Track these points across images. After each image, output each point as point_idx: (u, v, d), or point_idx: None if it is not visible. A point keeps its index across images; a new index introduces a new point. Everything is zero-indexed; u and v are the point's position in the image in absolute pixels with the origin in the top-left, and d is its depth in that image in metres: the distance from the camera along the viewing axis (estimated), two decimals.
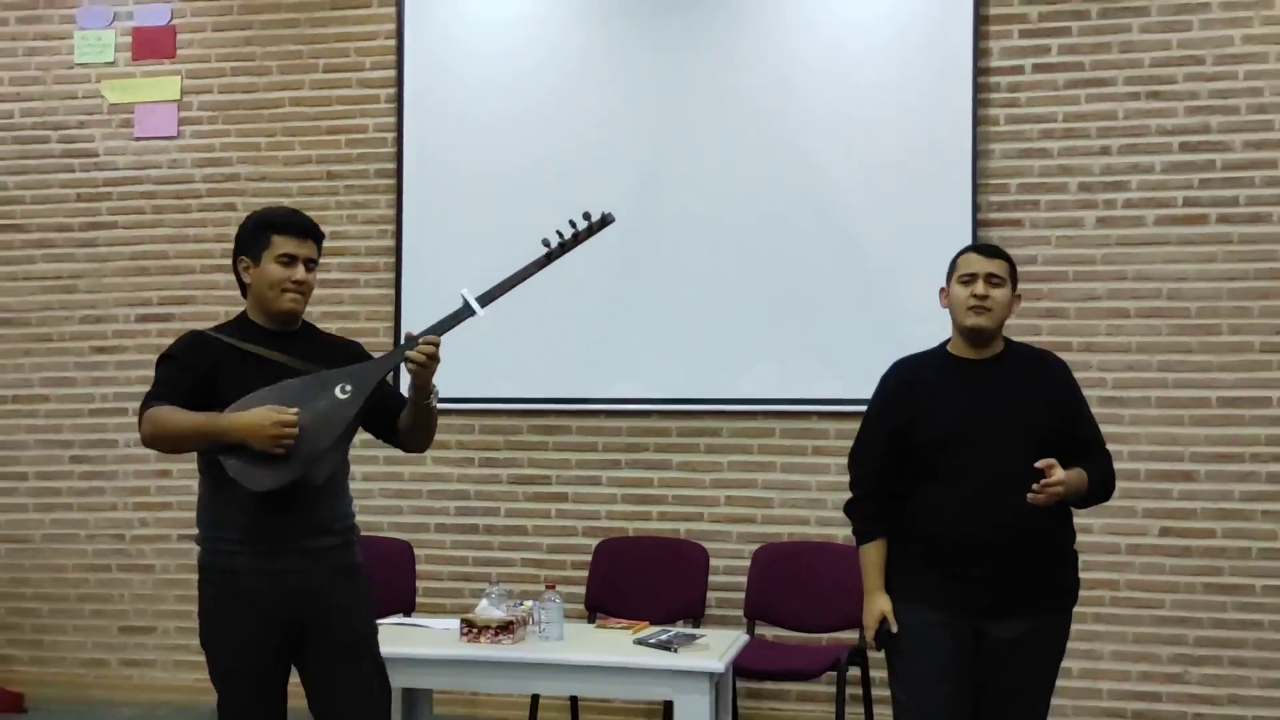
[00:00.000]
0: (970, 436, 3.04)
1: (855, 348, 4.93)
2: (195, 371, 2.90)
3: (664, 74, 5.27)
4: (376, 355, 3.11)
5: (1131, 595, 4.84)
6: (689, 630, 4.14)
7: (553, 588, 4.05)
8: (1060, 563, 3.12)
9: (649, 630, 4.03)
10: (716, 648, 3.86)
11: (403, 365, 2.93)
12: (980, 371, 3.13)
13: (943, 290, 3.21)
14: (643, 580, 4.88)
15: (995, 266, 3.12)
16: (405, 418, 3.02)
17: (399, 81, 5.48)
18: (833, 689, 4.46)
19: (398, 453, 5.34)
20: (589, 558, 5.05)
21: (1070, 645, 4.75)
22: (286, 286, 2.98)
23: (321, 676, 2.98)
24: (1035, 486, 2.92)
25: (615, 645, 3.90)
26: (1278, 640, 4.73)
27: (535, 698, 4.81)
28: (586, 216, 3.03)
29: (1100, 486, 3.11)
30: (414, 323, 5.46)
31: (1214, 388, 4.82)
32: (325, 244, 5.35)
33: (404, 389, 3.08)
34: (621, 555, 5.03)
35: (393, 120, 5.49)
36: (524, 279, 3.01)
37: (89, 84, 5.78)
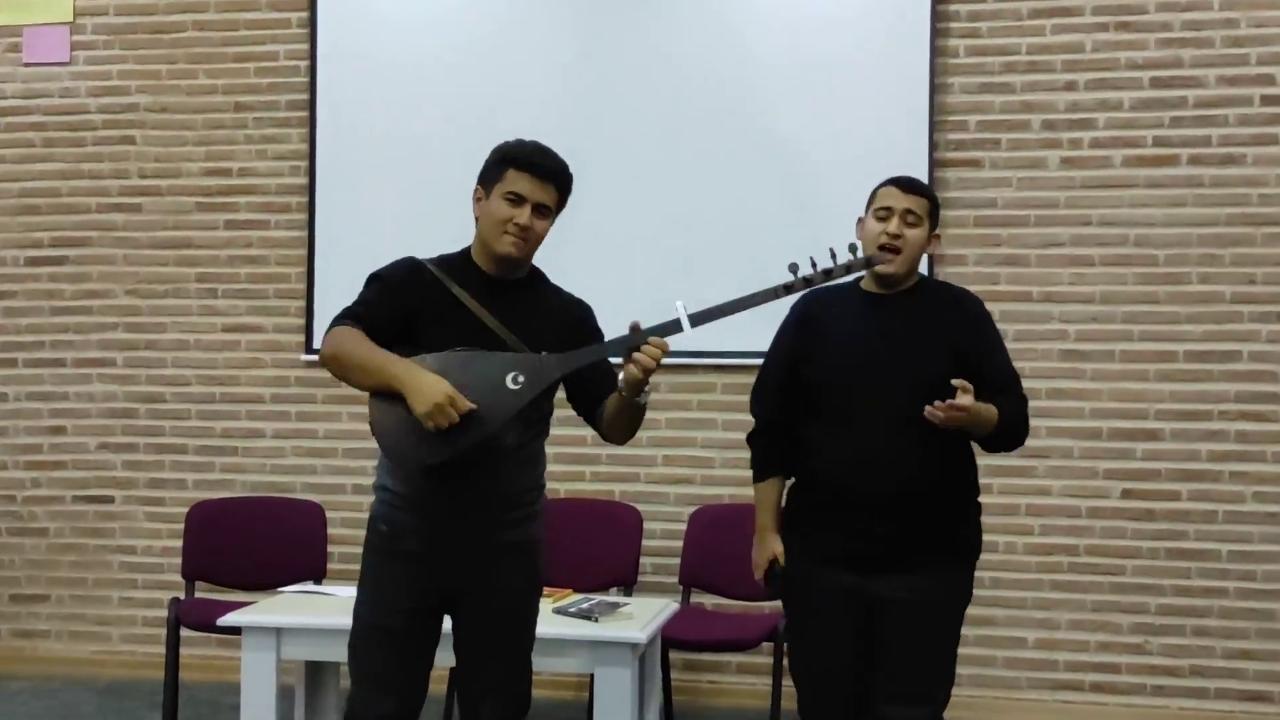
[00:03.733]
0: (860, 377, 3.00)
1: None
2: (399, 305, 2.85)
3: (600, 5, 5.17)
4: (570, 327, 2.96)
5: (1091, 561, 4.82)
6: (613, 599, 4.10)
7: None
8: (955, 516, 3.05)
9: (571, 598, 3.98)
10: (641, 617, 3.80)
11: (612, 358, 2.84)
12: (884, 309, 3.08)
13: (860, 220, 3.16)
14: (572, 545, 4.78)
15: (913, 203, 3.07)
16: (612, 407, 2.91)
17: (312, 5, 5.33)
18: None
19: (310, 406, 5.41)
20: None
21: (1026, 614, 4.85)
22: (508, 228, 2.87)
23: (464, 655, 2.97)
24: (933, 403, 2.84)
25: None
26: (1243, 609, 4.72)
27: (451, 671, 4.72)
28: (852, 250, 2.90)
29: (1009, 429, 3.04)
30: (327, 267, 5.46)
31: (1181, 340, 4.78)
32: (230, 182, 5.46)
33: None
34: (550, 519, 4.86)
35: (305, 48, 5.36)
36: (750, 306, 2.84)
37: None
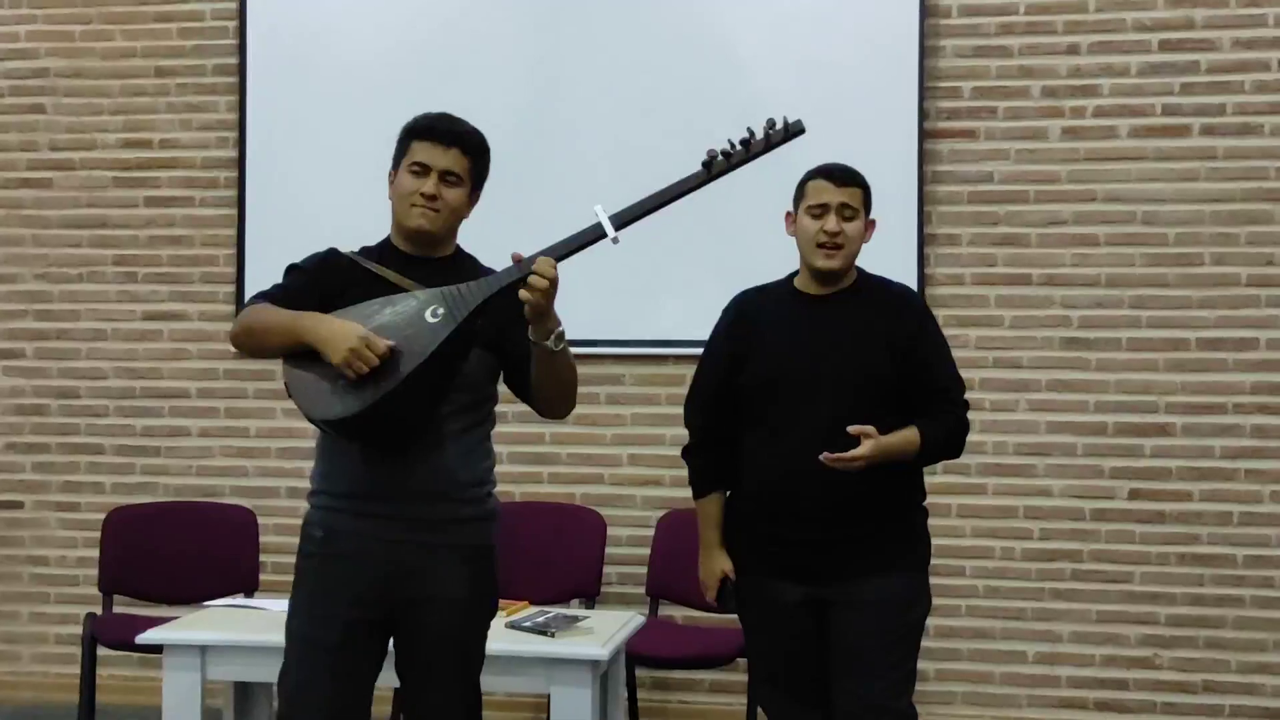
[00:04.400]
0: (797, 381, 3.13)
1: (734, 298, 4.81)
2: (320, 290, 2.90)
3: None
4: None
5: (1095, 568, 4.83)
6: (573, 611, 4.09)
7: None
8: (895, 521, 3.18)
9: (526, 611, 3.97)
10: (603, 631, 3.79)
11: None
12: (821, 309, 3.20)
13: (789, 215, 3.27)
14: (528, 554, 4.77)
15: (849, 196, 3.17)
16: (534, 369, 2.90)
17: None
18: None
19: (240, 402, 5.35)
20: None
21: (1025, 626, 4.85)
22: (415, 200, 2.93)
23: (409, 673, 2.97)
24: (825, 455, 3.00)
25: None
26: (1261, 619, 4.74)
27: (395, 691, 4.68)
28: (770, 125, 2.88)
29: (939, 447, 3.19)
30: (258, 249, 5.43)
31: (1193, 327, 4.79)
32: (151, 155, 5.40)
33: None
34: (506, 523, 4.78)
35: (234, 6, 5.33)
36: (674, 199, 2.86)
37: None
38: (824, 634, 3.15)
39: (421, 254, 2.99)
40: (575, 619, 3.88)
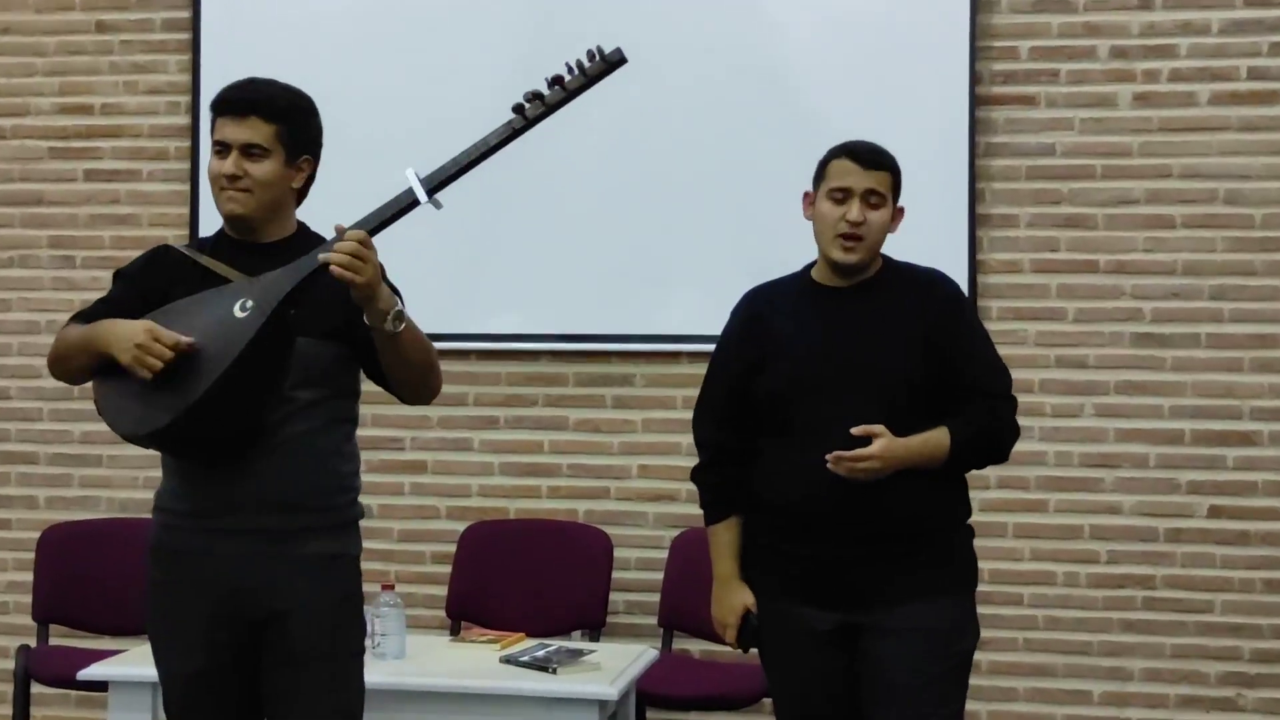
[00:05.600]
0: (822, 384, 3.16)
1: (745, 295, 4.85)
2: (146, 292, 3.00)
3: None
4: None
5: (1171, 596, 4.86)
6: (577, 644, 4.13)
7: (390, 588, 4.01)
8: (937, 540, 3.20)
9: (523, 645, 4.02)
10: (612, 667, 3.83)
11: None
12: (844, 303, 3.23)
13: (807, 196, 3.29)
14: (525, 579, 4.86)
15: (876, 181, 3.18)
16: (380, 354, 2.98)
17: None
18: None
19: None
20: (454, 548, 5.01)
21: (1091, 663, 4.89)
22: (220, 184, 3.01)
23: (273, 696, 3.03)
24: (829, 457, 3.03)
25: (475, 665, 3.87)
26: None
27: None
28: (590, 57, 2.90)
29: (972, 450, 3.20)
30: (214, 228, 5.41)
31: None
32: (92, 122, 5.45)
33: None
34: (498, 545, 5.00)
35: None
36: (490, 152, 2.90)
37: None
38: (858, 667, 3.16)
39: (252, 239, 3.06)
40: (579, 653, 3.90)
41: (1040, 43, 4.95)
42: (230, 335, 2.82)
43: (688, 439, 5.01)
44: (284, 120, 3.03)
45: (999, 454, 3.30)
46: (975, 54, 4.91)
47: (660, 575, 4.88)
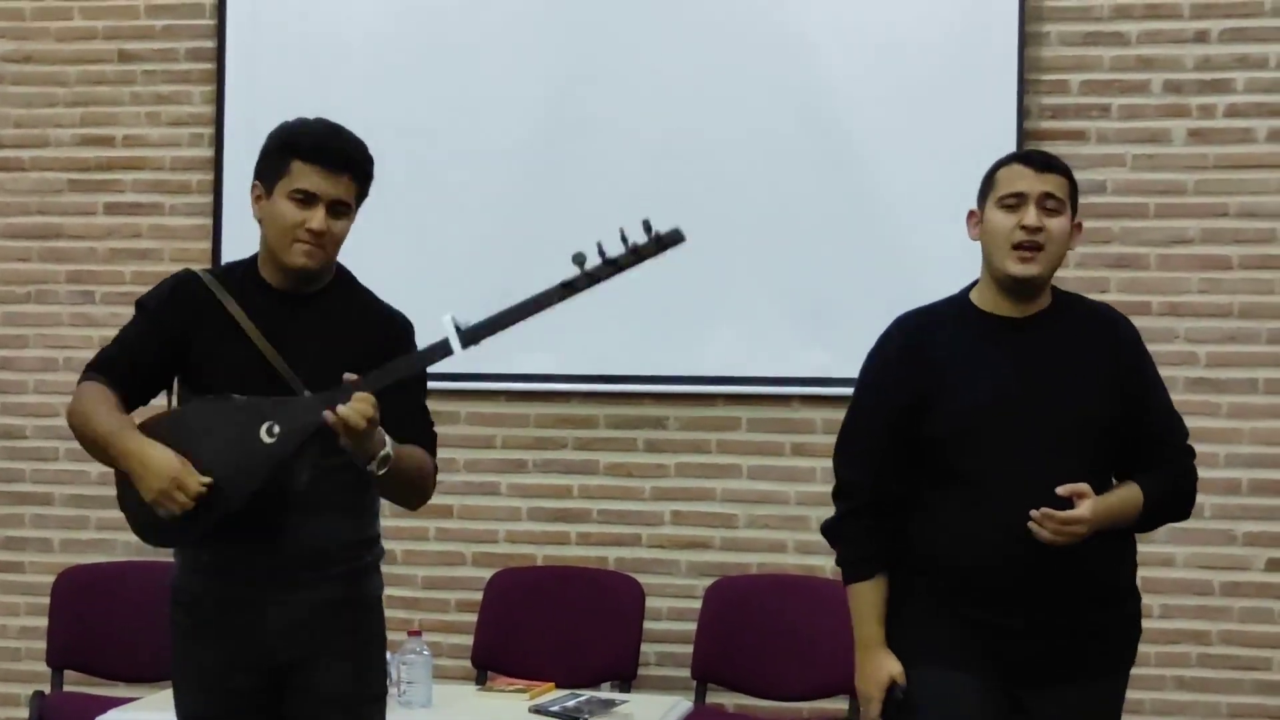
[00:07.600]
0: (1003, 428, 2.99)
1: (853, 308, 4.83)
2: (166, 336, 3.03)
3: None
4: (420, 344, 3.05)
5: (1227, 652, 4.83)
6: (607, 695, 4.13)
7: (417, 634, 4.01)
8: (1118, 606, 3.11)
9: (552, 695, 4.03)
10: (645, 719, 3.82)
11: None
12: (1022, 336, 3.07)
13: (972, 215, 3.13)
14: (554, 627, 4.85)
15: (1052, 185, 3.04)
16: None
17: None
18: None
19: None
20: (480, 595, 5.01)
21: None
22: (299, 235, 2.98)
23: None
24: (1036, 515, 2.88)
25: (504, 714, 3.90)
26: None
27: None
28: (647, 229, 2.83)
29: (1163, 509, 3.11)
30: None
31: None
32: (113, 154, 5.48)
33: None
34: (525, 593, 5.00)
35: None
36: (531, 313, 2.89)
37: None
38: None
39: (293, 289, 3.06)
40: (610, 703, 3.92)
41: (1091, 76, 4.96)
42: (253, 460, 2.86)
43: (724, 484, 5.09)
44: (366, 182, 3.07)
45: (1184, 514, 3.18)
46: (1024, 87, 4.92)
47: (693, 626, 4.87)
